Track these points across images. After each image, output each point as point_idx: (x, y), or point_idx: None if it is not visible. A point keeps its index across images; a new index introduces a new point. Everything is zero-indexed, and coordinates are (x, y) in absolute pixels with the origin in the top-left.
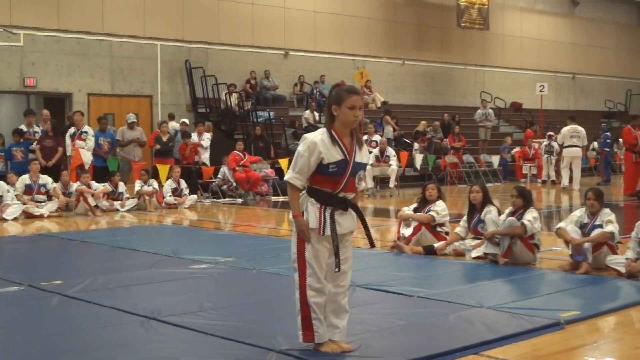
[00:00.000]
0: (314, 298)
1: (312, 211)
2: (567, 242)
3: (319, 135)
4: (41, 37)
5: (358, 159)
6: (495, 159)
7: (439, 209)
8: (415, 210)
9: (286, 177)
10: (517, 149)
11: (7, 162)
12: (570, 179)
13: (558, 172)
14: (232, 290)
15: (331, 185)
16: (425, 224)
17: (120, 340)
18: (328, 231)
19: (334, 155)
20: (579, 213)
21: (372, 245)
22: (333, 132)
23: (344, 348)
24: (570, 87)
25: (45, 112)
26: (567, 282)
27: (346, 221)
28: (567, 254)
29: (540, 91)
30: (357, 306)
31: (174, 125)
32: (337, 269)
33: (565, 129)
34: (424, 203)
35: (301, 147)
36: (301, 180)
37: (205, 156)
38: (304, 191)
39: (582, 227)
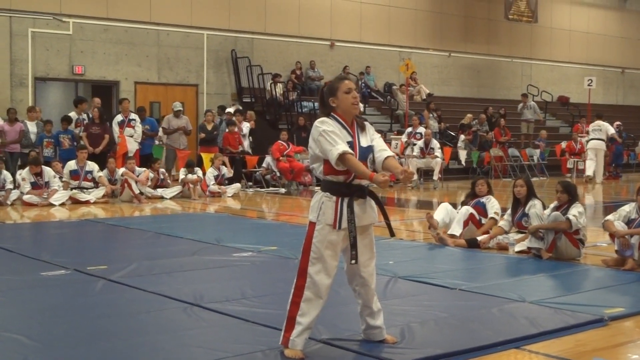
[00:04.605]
0: (307, 301)
1: (329, 206)
2: (612, 236)
3: (324, 118)
4: (90, 25)
5: (363, 143)
6: (537, 153)
7: (496, 208)
8: (463, 203)
9: (335, 153)
10: (562, 143)
11: (56, 149)
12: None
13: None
14: (273, 279)
15: (344, 171)
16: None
17: (163, 325)
18: (344, 224)
19: (344, 135)
20: (628, 208)
21: (392, 234)
22: (336, 115)
23: (388, 340)
24: (619, 81)
25: (97, 100)
26: (611, 279)
27: (365, 212)
28: (613, 250)
29: (589, 85)
30: (399, 297)
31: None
32: (352, 261)
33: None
34: (472, 197)
35: (324, 127)
36: (346, 145)
37: (246, 144)
38: (319, 190)
39: (629, 222)
